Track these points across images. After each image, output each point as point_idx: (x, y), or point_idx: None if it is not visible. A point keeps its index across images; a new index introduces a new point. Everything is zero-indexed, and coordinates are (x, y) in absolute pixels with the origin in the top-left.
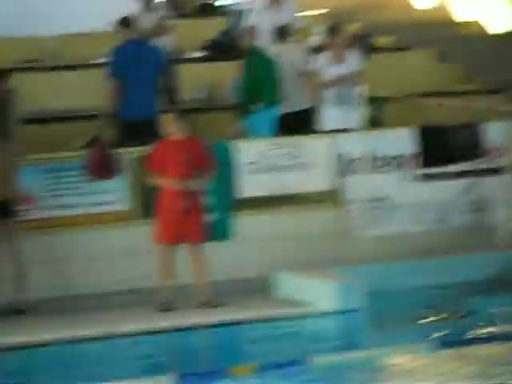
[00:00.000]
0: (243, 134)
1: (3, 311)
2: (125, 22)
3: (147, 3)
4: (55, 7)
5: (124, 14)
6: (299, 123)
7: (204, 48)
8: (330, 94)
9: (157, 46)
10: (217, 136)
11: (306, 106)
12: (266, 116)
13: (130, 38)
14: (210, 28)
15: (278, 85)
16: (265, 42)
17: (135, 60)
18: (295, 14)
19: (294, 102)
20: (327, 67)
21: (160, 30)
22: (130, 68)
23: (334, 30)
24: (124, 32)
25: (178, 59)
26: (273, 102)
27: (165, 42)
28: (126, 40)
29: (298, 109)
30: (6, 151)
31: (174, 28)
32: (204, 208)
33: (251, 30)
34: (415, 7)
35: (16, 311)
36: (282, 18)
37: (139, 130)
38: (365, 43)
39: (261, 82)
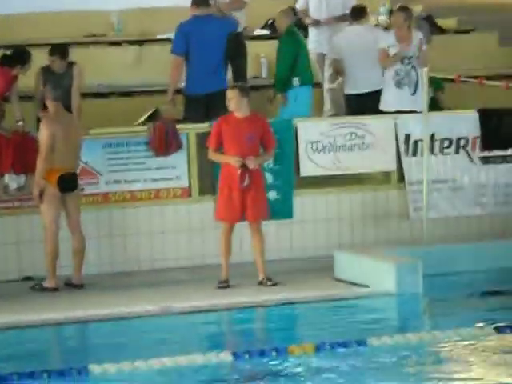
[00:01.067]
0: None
1: (63, 285)
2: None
3: None
4: None
5: None
6: (373, 104)
7: (267, 26)
8: (392, 74)
9: (227, 22)
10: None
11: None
12: (302, 94)
13: (206, 13)
14: (275, 7)
15: (309, 65)
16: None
17: (201, 36)
18: None
19: (369, 82)
20: (393, 47)
21: (237, 4)
22: (196, 44)
23: (400, 10)
24: (202, 9)
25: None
26: (305, 81)
27: (237, 18)
28: (193, 15)
29: (372, 89)
30: (73, 124)
31: (247, 3)
32: (265, 186)
33: (287, 11)
34: None
35: (75, 286)
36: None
37: (206, 106)
38: (428, 24)
39: (295, 61)
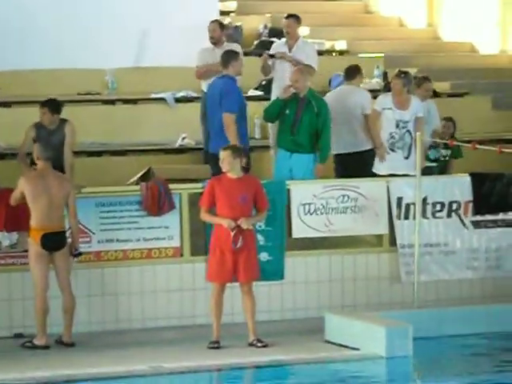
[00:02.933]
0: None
1: (54, 343)
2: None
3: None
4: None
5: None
6: (357, 164)
7: (260, 87)
8: (386, 137)
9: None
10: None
11: (366, 148)
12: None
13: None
14: None
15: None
16: None
17: (210, 96)
18: None
19: (355, 142)
20: (390, 111)
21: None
22: (209, 104)
23: (399, 76)
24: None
25: None
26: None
27: None
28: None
29: (357, 149)
30: (58, 183)
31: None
32: (256, 247)
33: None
34: (477, 52)
35: (65, 344)
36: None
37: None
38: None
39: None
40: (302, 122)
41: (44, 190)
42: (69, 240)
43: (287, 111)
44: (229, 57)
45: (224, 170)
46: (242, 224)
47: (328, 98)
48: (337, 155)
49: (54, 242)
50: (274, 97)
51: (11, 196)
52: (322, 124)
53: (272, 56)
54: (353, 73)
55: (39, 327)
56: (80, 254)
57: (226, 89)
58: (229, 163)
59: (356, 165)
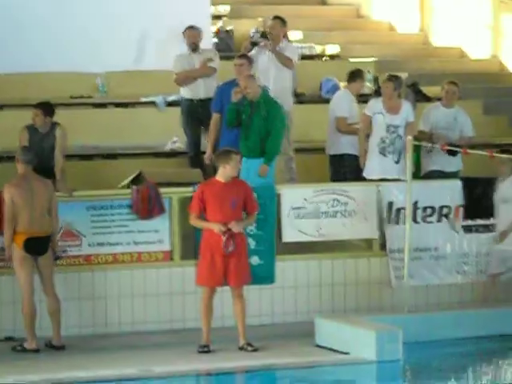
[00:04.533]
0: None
1: (44, 346)
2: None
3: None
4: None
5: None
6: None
7: None
8: (377, 141)
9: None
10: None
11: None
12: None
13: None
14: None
15: None
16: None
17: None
18: None
19: (345, 145)
20: (381, 115)
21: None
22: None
23: (390, 80)
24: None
25: None
26: None
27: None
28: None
29: (346, 152)
30: (41, 187)
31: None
32: (247, 251)
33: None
34: (468, 57)
35: (55, 347)
36: None
37: None
38: (413, 92)
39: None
40: (252, 126)
41: (30, 194)
42: None
43: (243, 116)
44: None
45: (232, 175)
46: (233, 228)
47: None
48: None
49: (37, 246)
50: None
51: (6, 210)
52: (270, 127)
53: (254, 44)
54: (354, 76)
55: (28, 331)
56: (59, 257)
57: None
58: (238, 168)
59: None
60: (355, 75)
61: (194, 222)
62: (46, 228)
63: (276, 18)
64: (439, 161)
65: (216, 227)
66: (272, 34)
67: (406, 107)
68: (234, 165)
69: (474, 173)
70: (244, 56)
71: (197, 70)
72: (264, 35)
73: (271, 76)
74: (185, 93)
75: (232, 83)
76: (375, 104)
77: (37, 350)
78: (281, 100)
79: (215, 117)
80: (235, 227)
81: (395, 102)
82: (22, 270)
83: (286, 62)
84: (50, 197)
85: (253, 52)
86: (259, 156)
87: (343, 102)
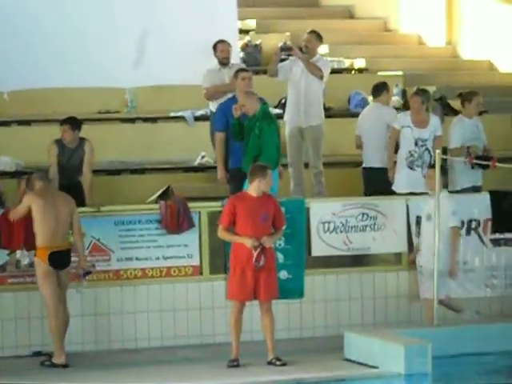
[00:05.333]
0: None
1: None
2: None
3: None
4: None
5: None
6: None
7: (279, 105)
8: (406, 155)
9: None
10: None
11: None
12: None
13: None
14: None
15: None
16: None
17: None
18: None
19: (382, 159)
20: (409, 129)
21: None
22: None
23: (418, 94)
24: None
25: None
26: None
27: None
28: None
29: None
30: (69, 201)
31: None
32: (276, 266)
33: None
34: (497, 70)
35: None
36: None
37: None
38: (441, 106)
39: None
40: (248, 143)
41: (52, 206)
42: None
43: (246, 131)
44: None
45: (266, 190)
46: (264, 243)
47: (361, 116)
48: (365, 169)
49: (61, 259)
50: (288, 105)
51: (13, 210)
52: (262, 144)
53: (282, 60)
54: (379, 90)
55: (56, 346)
56: (89, 272)
57: None
58: (271, 184)
59: (381, 180)
60: (379, 89)
61: (223, 234)
62: (67, 241)
63: (312, 32)
64: (473, 175)
65: (249, 242)
66: (308, 48)
67: (434, 121)
68: (268, 180)
69: (501, 186)
70: (247, 70)
71: (227, 85)
72: (290, 49)
73: (302, 88)
74: (214, 107)
75: (233, 99)
76: (403, 118)
77: (66, 365)
78: (312, 113)
79: (220, 136)
80: (267, 242)
81: (423, 116)
82: (46, 284)
83: (314, 70)
84: (71, 211)
85: (287, 62)
86: None
87: (394, 114)
